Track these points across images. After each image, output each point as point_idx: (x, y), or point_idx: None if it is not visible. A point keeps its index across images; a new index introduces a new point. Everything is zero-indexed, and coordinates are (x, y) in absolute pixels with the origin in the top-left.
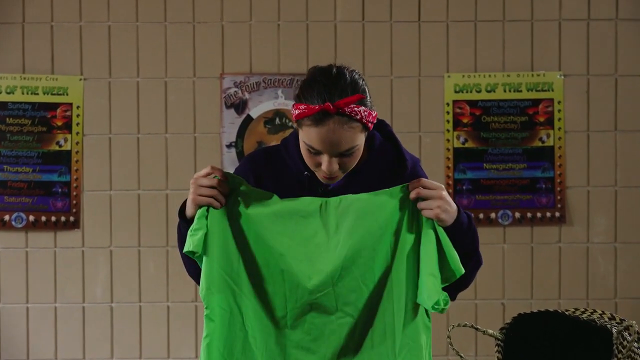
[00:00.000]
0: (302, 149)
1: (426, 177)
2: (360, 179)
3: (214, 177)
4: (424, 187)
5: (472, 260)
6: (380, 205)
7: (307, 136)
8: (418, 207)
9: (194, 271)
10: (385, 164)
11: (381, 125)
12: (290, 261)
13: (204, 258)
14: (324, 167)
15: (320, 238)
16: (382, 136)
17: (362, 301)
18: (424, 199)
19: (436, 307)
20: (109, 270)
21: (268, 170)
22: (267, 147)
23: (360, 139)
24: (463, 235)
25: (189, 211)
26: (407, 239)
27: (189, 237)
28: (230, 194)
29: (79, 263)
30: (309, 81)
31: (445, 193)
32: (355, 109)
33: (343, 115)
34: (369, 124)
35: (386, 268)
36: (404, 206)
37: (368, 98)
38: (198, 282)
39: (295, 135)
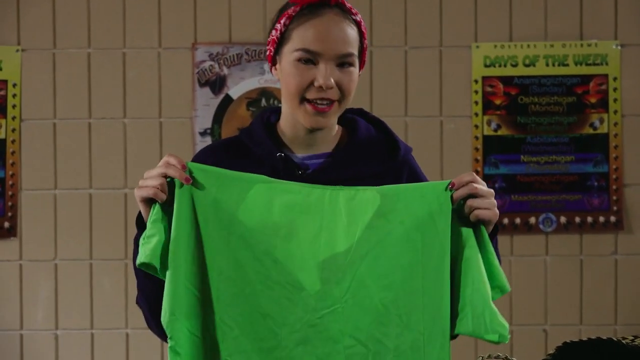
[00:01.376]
0: (289, 70)
1: (419, 169)
2: (343, 162)
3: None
4: (477, 183)
5: None
6: (408, 203)
7: (300, 37)
8: (469, 205)
9: (147, 297)
10: (371, 147)
11: (362, 113)
12: (287, 269)
13: (167, 273)
14: (320, 77)
15: (326, 237)
16: (366, 121)
17: (379, 326)
18: (475, 196)
19: (505, 336)
20: (53, 288)
21: (230, 161)
22: (222, 139)
23: (356, 49)
24: None
25: (143, 214)
26: (444, 249)
27: (142, 247)
28: (198, 187)
29: (16, 280)
30: None
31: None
32: (355, 10)
33: (343, 9)
34: (364, 38)
35: (413, 285)
36: (440, 206)
37: None
38: (152, 316)
39: (260, 118)
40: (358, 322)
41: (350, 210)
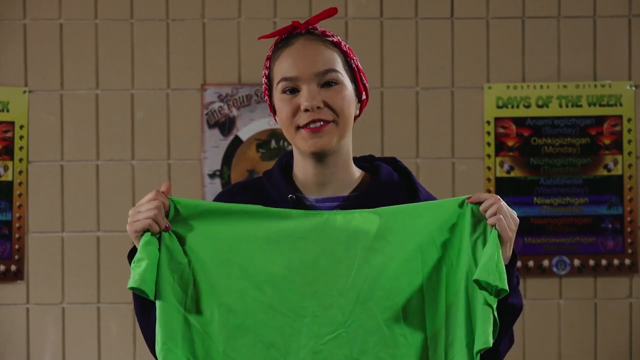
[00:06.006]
0: (278, 105)
1: None
2: (357, 207)
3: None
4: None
5: (506, 335)
6: (407, 223)
7: (279, 70)
8: (490, 219)
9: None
10: (390, 194)
11: (392, 161)
12: (288, 297)
13: (159, 303)
14: (303, 100)
15: (325, 263)
16: (392, 169)
17: (385, 348)
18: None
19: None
20: (61, 332)
21: (247, 201)
22: (243, 180)
23: (340, 67)
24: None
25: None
26: (446, 266)
27: (132, 271)
28: (194, 220)
29: (23, 323)
30: None
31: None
32: (329, 32)
33: (315, 34)
34: (350, 58)
35: (415, 304)
36: (445, 225)
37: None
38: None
39: (279, 161)
40: (363, 345)
41: (348, 234)
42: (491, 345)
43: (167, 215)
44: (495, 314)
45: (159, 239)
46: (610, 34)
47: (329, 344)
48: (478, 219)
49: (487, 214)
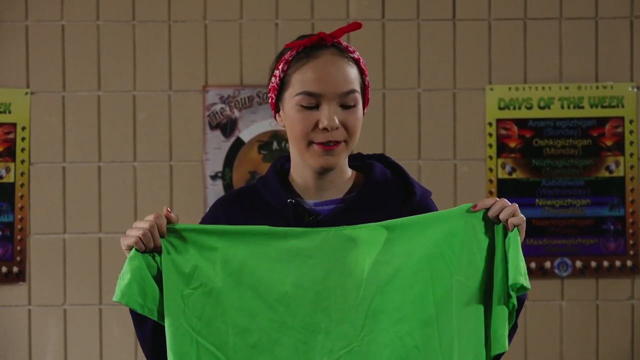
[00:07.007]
0: (293, 116)
1: None
2: (354, 208)
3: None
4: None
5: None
6: (414, 234)
7: (300, 81)
8: (500, 217)
9: (151, 348)
10: (385, 192)
11: (381, 158)
12: (300, 314)
13: (169, 329)
14: (324, 118)
15: (335, 278)
16: (384, 166)
17: None
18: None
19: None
20: (62, 334)
21: (243, 211)
22: (239, 188)
23: (358, 86)
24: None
25: None
26: (455, 276)
27: (117, 285)
28: (201, 245)
29: (24, 325)
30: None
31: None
32: (351, 48)
33: (339, 48)
34: (365, 75)
35: (426, 315)
36: (451, 234)
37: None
38: None
39: (274, 166)
40: (377, 358)
41: (356, 248)
42: (507, 349)
43: (164, 235)
44: (514, 311)
45: (159, 258)
46: (612, 35)
47: (343, 359)
48: (486, 225)
49: (503, 216)
